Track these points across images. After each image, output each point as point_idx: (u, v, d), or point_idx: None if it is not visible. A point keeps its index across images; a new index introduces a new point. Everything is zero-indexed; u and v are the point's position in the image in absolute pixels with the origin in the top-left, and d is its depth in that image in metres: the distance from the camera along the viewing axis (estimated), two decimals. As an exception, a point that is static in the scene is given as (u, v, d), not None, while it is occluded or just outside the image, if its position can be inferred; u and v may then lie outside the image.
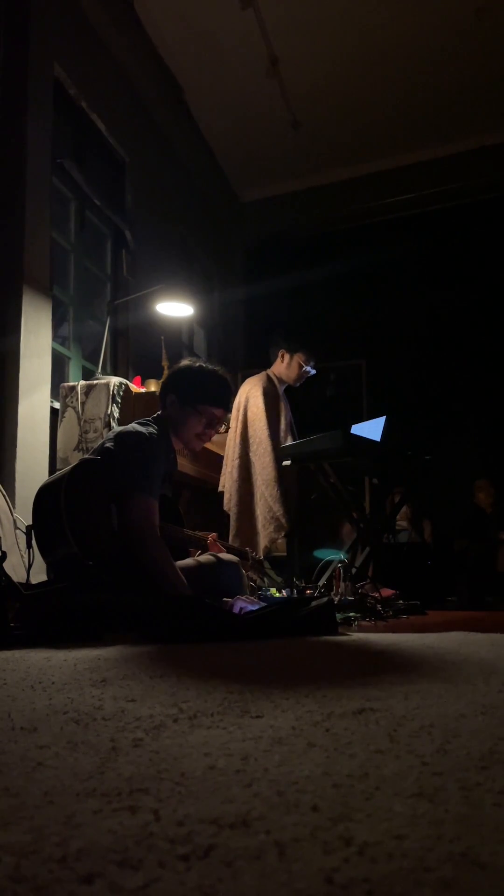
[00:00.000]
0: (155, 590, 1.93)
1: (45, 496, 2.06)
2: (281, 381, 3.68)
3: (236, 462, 3.50)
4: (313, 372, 3.67)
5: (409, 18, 4.25)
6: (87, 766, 0.57)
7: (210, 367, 2.36)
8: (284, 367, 3.65)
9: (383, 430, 3.45)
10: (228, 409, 2.42)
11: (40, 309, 3.20)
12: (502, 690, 0.92)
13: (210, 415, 2.30)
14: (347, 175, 5.76)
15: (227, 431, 3.64)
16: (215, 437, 2.52)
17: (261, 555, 3.30)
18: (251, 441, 3.50)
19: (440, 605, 3.63)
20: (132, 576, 1.94)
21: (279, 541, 3.42)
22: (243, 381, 3.74)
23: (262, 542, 3.35)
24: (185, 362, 2.41)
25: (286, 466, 3.39)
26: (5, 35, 3.28)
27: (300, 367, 3.62)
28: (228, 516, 3.58)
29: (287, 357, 3.64)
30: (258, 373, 3.72)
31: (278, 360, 3.68)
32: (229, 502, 3.50)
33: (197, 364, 2.37)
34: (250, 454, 3.49)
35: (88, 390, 3.28)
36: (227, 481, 3.56)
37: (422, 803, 0.47)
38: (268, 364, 3.74)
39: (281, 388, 3.67)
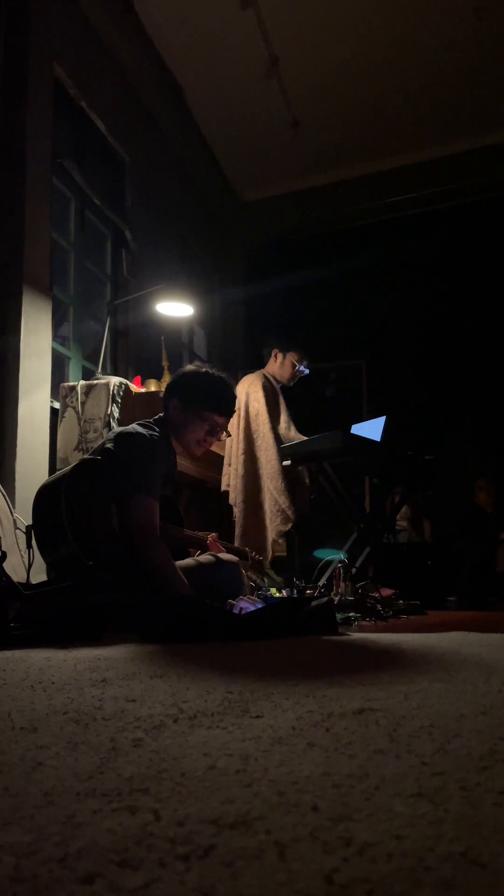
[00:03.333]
0: (155, 590, 1.93)
1: (45, 496, 2.06)
2: (276, 380, 3.69)
3: (241, 458, 3.50)
4: (306, 371, 3.68)
5: (408, 18, 4.25)
6: (87, 766, 0.57)
7: (216, 373, 2.35)
8: (278, 366, 3.67)
9: (383, 430, 3.45)
10: (231, 417, 2.42)
11: (40, 309, 3.20)
12: (502, 690, 0.92)
13: (213, 422, 2.30)
14: (347, 175, 5.76)
15: (228, 437, 3.65)
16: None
17: (269, 552, 3.30)
18: (255, 436, 3.51)
19: (440, 605, 3.63)
20: (132, 576, 1.94)
21: (280, 540, 3.43)
22: (241, 380, 3.74)
23: (271, 535, 3.36)
24: (190, 367, 2.40)
25: (287, 466, 3.39)
26: (5, 35, 3.28)
27: (293, 366, 3.63)
28: (228, 515, 3.58)
29: (280, 356, 3.65)
30: (255, 372, 3.73)
31: (272, 359, 3.69)
32: (235, 498, 3.51)
33: (202, 369, 2.36)
34: (255, 449, 3.50)
35: (88, 390, 3.28)
36: (233, 478, 3.56)
37: (422, 803, 0.47)
38: (264, 365, 3.75)
39: (277, 387, 3.68)
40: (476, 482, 5.02)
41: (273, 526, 3.36)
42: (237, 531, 3.43)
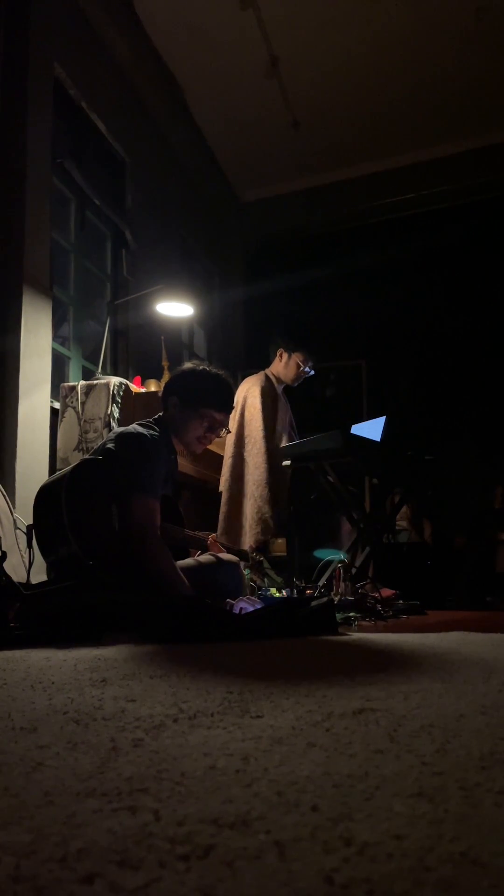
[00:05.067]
0: (155, 590, 1.93)
1: (46, 496, 2.06)
2: (279, 380, 3.68)
3: (230, 462, 3.51)
4: (311, 373, 3.67)
5: (409, 18, 4.25)
6: (87, 766, 0.57)
7: (213, 370, 2.37)
8: (282, 366, 3.65)
9: (383, 430, 3.45)
10: (230, 413, 2.43)
11: (40, 309, 3.20)
12: (502, 690, 0.92)
13: (211, 418, 2.30)
14: (347, 175, 5.76)
15: (228, 433, 3.65)
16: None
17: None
18: (246, 441, 3.50)
19: (440, 605, 3.63)
20: (133, 576, 1.94)
21: (278, 541, 3.43)
22: (243, 380, 3.74)
23: (248, 541, 3.35)
24: (188, 365, 2.41)
25: (281, 467, 3.39)
26: (5, 35, 3.28)
27: (298, 366, 3.62)
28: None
29: (285, 356, 3.64)
30: (257, 372, 3.72)
31: (276, 359, 3.68)
32: (221, 500, 3.52)
33: (200, 367, 2.37)
34: (244, 454, 3.50)
35: (88, 390, 3.28)
36: (221, 480, 3.58)
37: (422, 803, 0.47)
38: (267, 364, 3.74)
39: (279, 388, 3.67)
40: (497, 488, 4.95)
41: (252, 533, 3.35)
42: (218, 530, 3.43)
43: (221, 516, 3.46)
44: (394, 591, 2.92)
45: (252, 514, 3.37)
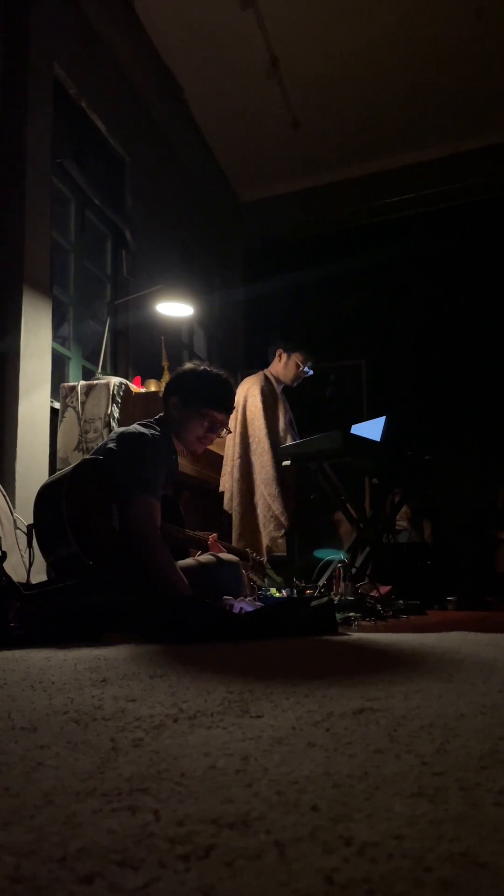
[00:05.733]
0: (155, 590, 1.93)
1: (46, 495, 2.06)
2: (278, 380, 3.67)
3: (237, 462, 3.51)
4: (311, 373, 3.67)
5: (409, 18, 4.25)
6: (87, 766, 0.57)
7: (214, 370, 2.37)
8: (282, 366, 3.65)
9: (383, 430, 3.45)
10: (231, 413, 2.43)
11: (40, 309, 3.20)
12: (502, 690, 0.92)
13: (212, 418, 2.31)
14: (347, 175, 5.76)
15: (228, 434, 3.65)
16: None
17: (264, 555, 3.31)
18: (251, 441, 3.50)
19: (440, 605, 3.63)
20: (133, 576, 1.94)
21: (279, 540, 3.43)
22: (243, 381, 3.74)
23: (264, 541, 3.37)
24: (188, 365, 2.41)
25: (286, 466, 3.39)
26: (5, 35, 3.28)
27: (297, 367, 3.61)
28: (229, 516, 3.58)
29: (284, 357, 3.64)
30: (256, 372, 3.72)
31: (276, 359, 3.68)
32: (230, 503, 3.51)
33: (201, 367, 2.38)
34: (250, 454, 3.50)
35: (88, 390, 3.28)
36: (228, 482, 3.57)
37: (422, 803, 0.47)
38: (267, 364, 3.74)
39: (279, 388, 3.67)
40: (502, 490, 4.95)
41: (266, 532, 3.37)
42: (234, 535, 3.44)
43: (235, 520, 3.46)
44: (389, 587, 2.92)
45: (264, 512, 3.39)
